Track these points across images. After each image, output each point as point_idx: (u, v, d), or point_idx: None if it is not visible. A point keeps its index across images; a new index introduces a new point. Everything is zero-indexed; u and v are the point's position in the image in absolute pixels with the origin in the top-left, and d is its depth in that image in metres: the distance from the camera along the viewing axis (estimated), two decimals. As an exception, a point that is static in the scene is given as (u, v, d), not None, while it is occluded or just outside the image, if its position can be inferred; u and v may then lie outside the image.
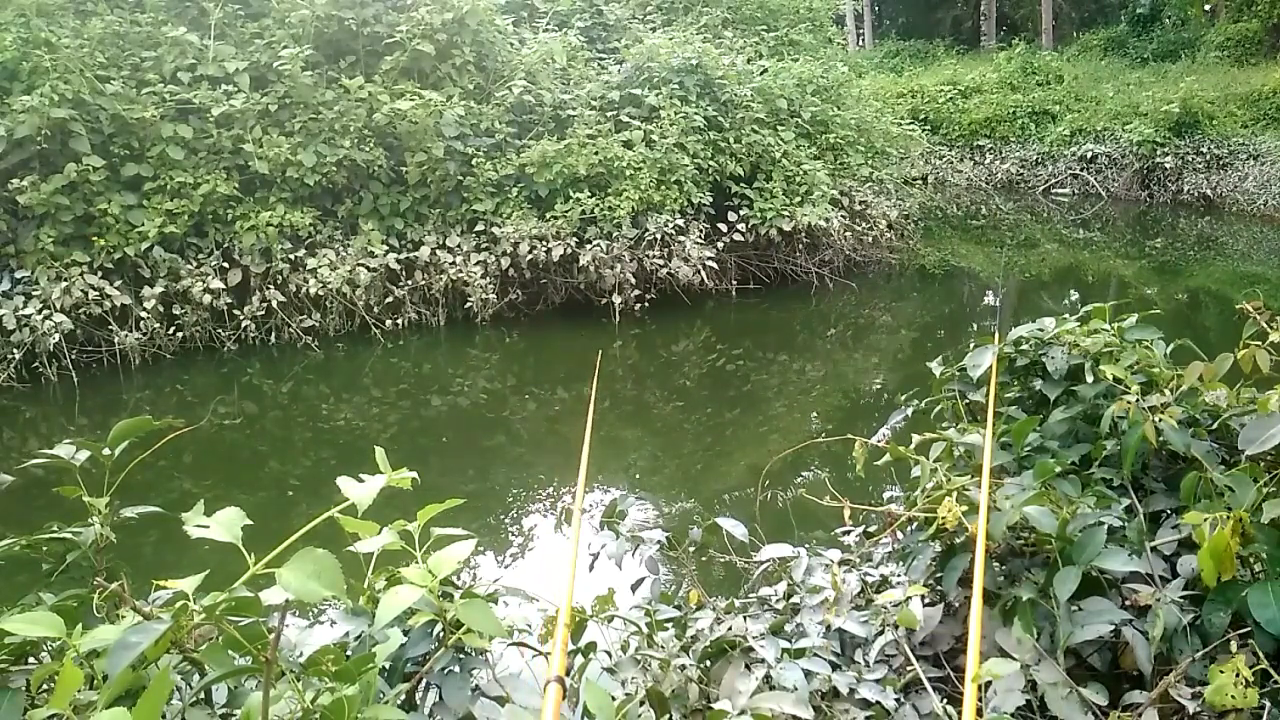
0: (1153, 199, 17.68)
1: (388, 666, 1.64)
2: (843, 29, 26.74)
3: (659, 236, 9.77)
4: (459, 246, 9.63)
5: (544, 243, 9.49)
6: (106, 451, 1.83)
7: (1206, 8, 23.29)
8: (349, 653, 1.64)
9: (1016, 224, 16.96)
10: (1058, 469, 2.24)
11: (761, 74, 11.54)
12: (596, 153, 9.74)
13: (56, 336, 7.90)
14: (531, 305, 9.99)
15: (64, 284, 8.15)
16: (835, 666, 2.08)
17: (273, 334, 9.03)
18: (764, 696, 1.93)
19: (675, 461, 6.63)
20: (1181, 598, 2.00)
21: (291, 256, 9.05)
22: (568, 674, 2.03)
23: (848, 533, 2.74)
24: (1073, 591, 1.95)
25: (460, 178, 9.73)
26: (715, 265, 9.98)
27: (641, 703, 1.97)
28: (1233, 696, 1.76)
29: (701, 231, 10.14)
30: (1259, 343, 2.39)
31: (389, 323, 9.32)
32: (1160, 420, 2.25)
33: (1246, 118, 17.58)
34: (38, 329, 7.87)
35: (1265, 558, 1.99)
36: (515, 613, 2.00)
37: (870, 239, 11.65)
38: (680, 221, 9.90)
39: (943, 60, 25.90)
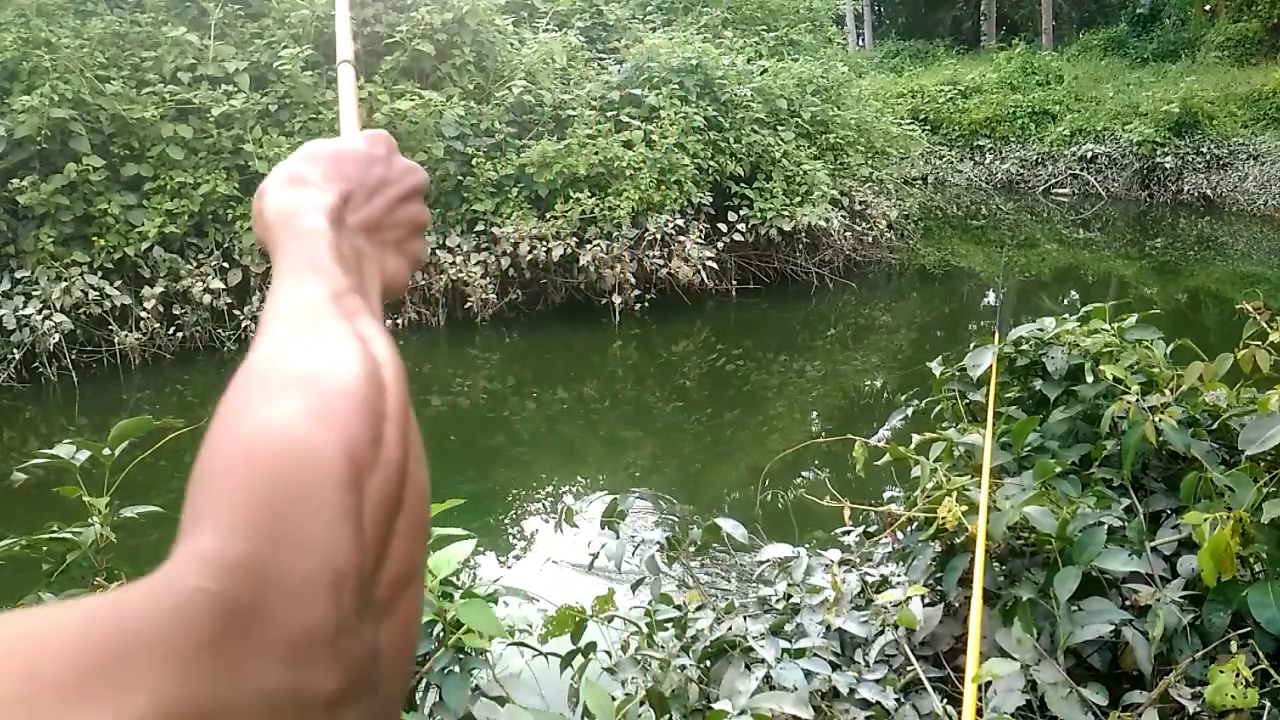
0: (1153, 199, 17.68)
1: (388, 666, 1.64)
2: (843, 29, 26.74)
3: (659, 236, 9.77)
4: (459, 246, 9.63)
5: (544, 243, 9.49)
6: (106, 451, 1.83)
7: (1206, 8, 23.28)
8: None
9: (1016, 224, 16.95)
10: (1058, 469, 2.24)
11: (761, 74, 11.53)
12: (596, 153, 9.74)
13: (56, 336, 7.90)
14: (531, 305, 9.99)
15: (64, 284, 8.14)
16: (835, 666, 2.08)
17: (273, 334, 9.02)
18: (764, 696, 1.93)
19: (675, 461, 6.63)
20: (1181, 598, 2.01)
21: (291, 256, 9.03)
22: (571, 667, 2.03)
23: (848, 533, 2.74)
24: (1073, 591, 1.95)
25: (460, 178, 9.73)
26: (715, 265, 9.98)
27: (641, 703, 1.97)
28: (1233, 696, 1.76)
29: (701, 231, 10.14)
30: (1259, 343, 2.39)
31: (389, 322, 9.24)
32: (1160, 420, 2.25)
33: (1246, 118, 17.58)
34: (38, 329, 7.87)
35: (1265, 558, 1.99)
36: (515, 613, 2.00)
37: (870, 239, 11.65)
38: (680, 221, 9.90)
39: (943, 60, 25.89)
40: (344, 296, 0.52)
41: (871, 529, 2.69)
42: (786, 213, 10.41)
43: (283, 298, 0.52)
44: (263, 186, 0.63)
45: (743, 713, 1.86)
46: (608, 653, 2.08)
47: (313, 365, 0.45)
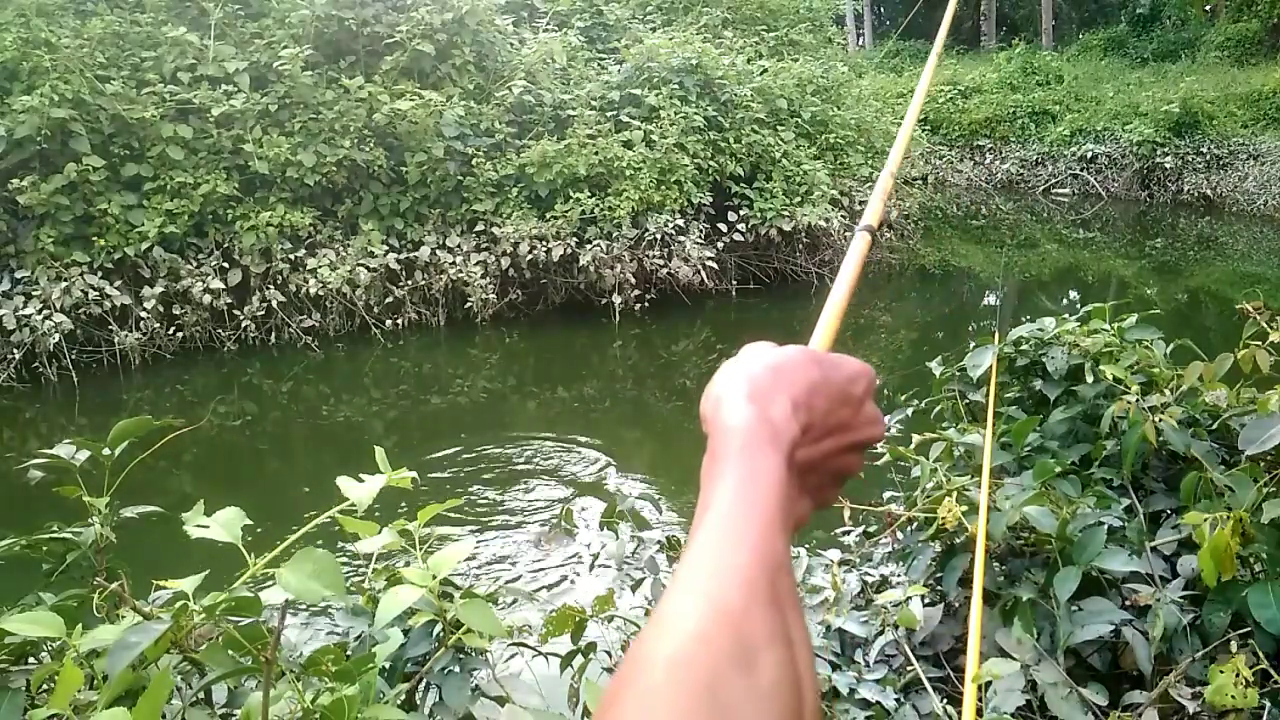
0: (1153, 199, 17.68)
1: (388, 666, 1.64)
2: (843, 29, 26.72)
3: (659, 236, 9.77)
4: (459, 246, 9.63)
5: (544, 243, 9.49)
6: (106, 451, 1.83)
7: (1206, 8, 23.28)
8: (349, 653, 1.64)
9: (1016, 224, 16.95)
10: (1058, 469, 2.23)
11: (761, 74, 11.53)
12: (596, 153, 9.73)
13: (56, 336, 7.90)
14: (531, 305, 9.99)
15: (64, 284, 8.14)
16: (835, 666, 2.08)
17: (273, 334, 9.03)
18: (764, 696, 1.93)
19: (676, 462, 6.62)
20: (1181, 598, 2.00)
21: (291, 256, 9.04)
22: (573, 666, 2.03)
23: (848, 533, 2.74)
24: (1073, 591, 1.95)
25: (460, 178, 9.73)
26: (715, 265, 9.98)
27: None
28: (1233, 696, 1.76)
29: (701, 231, 10.14)
30: (1259, 343, 2.39)
31: (389, 323, 9.31)
32: (1160, 420, 2.25)
33: (1246, 118, 17.57)
34: (38, 329, 7.87)
35: (1265, 558, 1.99)
36: (515, 613, 2.00)
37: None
38: (680, 221, 9.90)
39: (943, 60, 25.88)
40: (780, 574, 0.50)
41: (871, 529, 2.68)
42: (786, 213, 10.40)
43: (720, 546, 0.51)
44: (721, 383, 0.60)
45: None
46: (608, 653, 2.07)
47: (739, 670, 0.46)
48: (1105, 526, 2.03)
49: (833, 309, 0.76)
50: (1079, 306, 2.80)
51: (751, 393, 0.59)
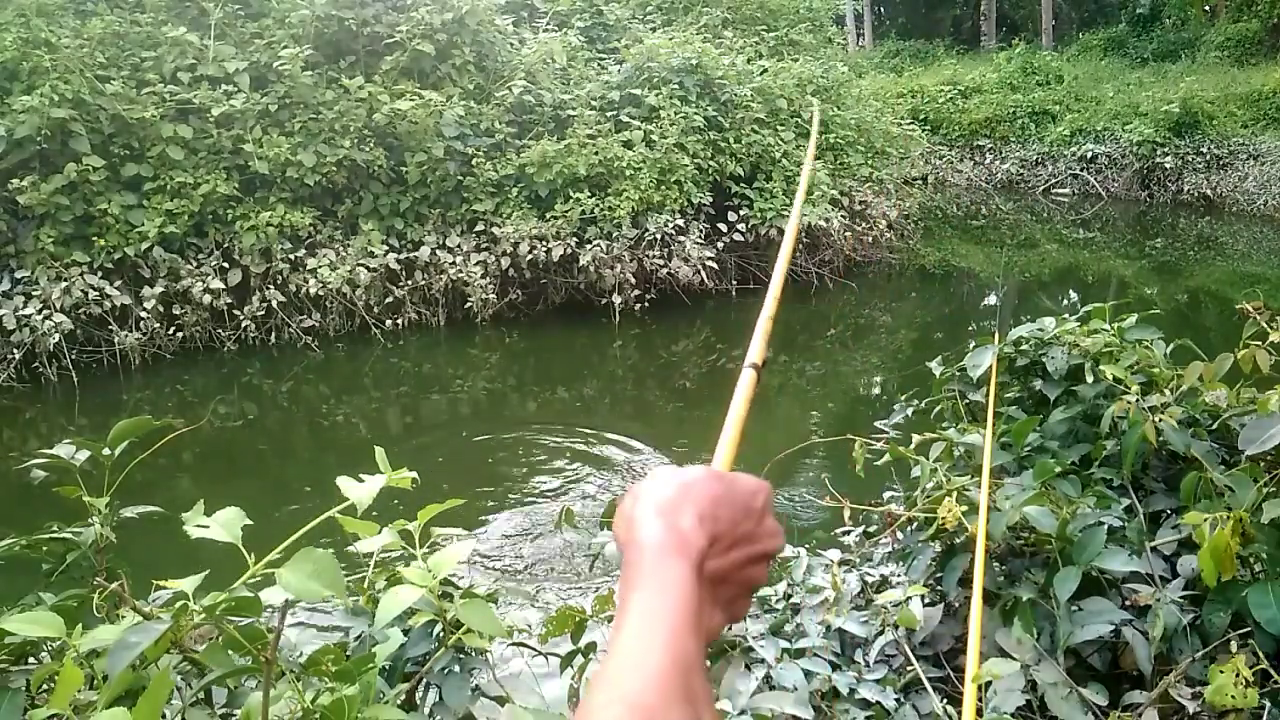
0: (1153, 199, 17.67)
1: (388, 666, 1.64)
2: (843, 29, 26.70)
3: (659, 236, 9.77)
4: (459, 246, 9.63)
5: (544, 243, 9.49)
6: (106, 451, 1.83)
7: (1206, 8, 23.28)
8: (349, 653, 1.64)
9: (1016, 224, 16.95)
10: (1058, 469, 2.23)
11: (761, 74, 11.53)
12: (596, 153, 9.74)
13: (56, 336, 7.90)
14: (531, 305, 9.99)
15: (64, 284, 8.14)
16: (835, 666, 2.08)
17: (273, 334, 9.03)
18: (764, 696, 1.93)
19: (676, 462, 6.62)
20: (1181, 598, 2.00)
21: (291, 256, 9.04)
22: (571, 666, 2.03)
23: (848, 533, 2.74)
24: (1073, 591, 1.95)
25: (460, 178, 9.73)
26: (715, 265, 9.98)
27: (641, 703, 1.96)
28: (1233, 696, 1.76)
29: (701, 231, 10.14)
30: (1259, 343, 2.39)
31: (389, 323, 9.32)
32: (1160, 420, 2.25)
33: (1246, 118, 17.56)
34: (38, 329, 7.87)
35: (1265, 558, 1.99)
36: (515, 613, 2.00)
37: (870, 239, 11.64)
38: (680, 221, 9.90)
39: (943, 60, 25.87)
40: (694, 673, 0.55)
41: (871, 529, 2.68)
42: (786, 213, 10.40)
43: (635, 649, 0.55)
44: (632, 502, 0.65)
45: (743, 713, 1.86)
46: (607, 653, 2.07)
47: None
48: (1105, 526, 2.03)
49: (729, 436, 0.82)
50: (1079, 306, 2.80)
51: (660, 508, 0.63)
